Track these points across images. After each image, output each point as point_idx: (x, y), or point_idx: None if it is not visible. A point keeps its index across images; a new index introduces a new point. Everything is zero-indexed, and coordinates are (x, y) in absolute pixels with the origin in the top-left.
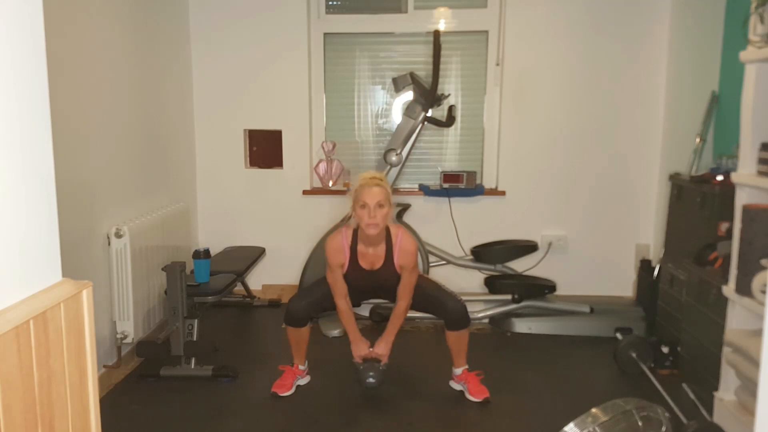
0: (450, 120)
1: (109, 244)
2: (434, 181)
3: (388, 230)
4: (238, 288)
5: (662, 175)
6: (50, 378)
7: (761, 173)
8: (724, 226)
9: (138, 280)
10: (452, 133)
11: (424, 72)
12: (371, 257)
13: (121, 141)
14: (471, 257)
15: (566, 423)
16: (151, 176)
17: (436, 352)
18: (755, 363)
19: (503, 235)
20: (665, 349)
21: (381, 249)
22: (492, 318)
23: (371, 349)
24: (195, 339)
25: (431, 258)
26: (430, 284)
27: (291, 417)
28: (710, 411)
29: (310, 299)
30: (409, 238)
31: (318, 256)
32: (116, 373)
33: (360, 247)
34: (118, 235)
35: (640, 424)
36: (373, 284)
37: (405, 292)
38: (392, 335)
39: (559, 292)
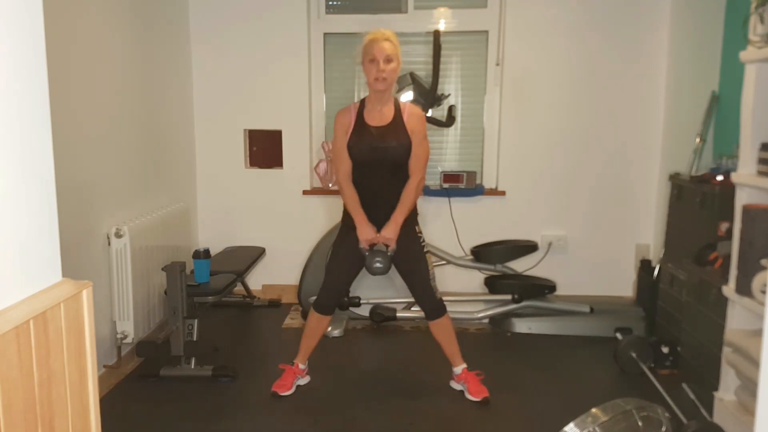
0: (450, 120)
1: (109, 244)
2: (434, 181)
3: (396, 101)
4: (238, 288)
5: (662, 175)
6: (50, 378)
7: (761, 173)
8: (724, 226)
9: (138, 280)
10: (452, 133)
11: (424, 72)
12: (378, 114)
13: (122, 141)
14: (471, 257)
15: (566, 423)
16: (151, 176)
17: (436, 352)
18: (755, 363)
19: (503, 235)
20: (665, 349)
21: (389, 109)
22: (492, 318)
23: (379, 234)
24: (195, 339)
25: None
26: (425, 269)
27: (291, 417)
28: (710, 411)
29: (336, 283)
30: (417, 106)
31: (318, 256)
32: (116, 373)
33: (367, 109)
34: (118, 235)
35: (640, 424)
36: (379, 151)
37: (416, 165)
38: (401, 217)
39: (559, 292)
